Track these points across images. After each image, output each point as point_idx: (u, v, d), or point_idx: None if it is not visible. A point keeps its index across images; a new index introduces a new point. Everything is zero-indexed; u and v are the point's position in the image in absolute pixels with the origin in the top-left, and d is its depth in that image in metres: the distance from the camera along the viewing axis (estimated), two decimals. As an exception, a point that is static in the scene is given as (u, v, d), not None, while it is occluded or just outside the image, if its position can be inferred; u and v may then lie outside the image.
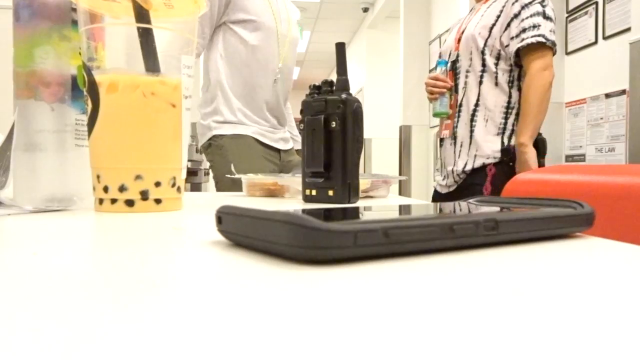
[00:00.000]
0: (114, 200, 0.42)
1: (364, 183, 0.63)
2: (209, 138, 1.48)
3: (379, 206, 0.43)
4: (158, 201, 0.43)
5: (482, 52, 1.44)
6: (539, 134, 1.41)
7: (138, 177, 0.42)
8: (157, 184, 0.43)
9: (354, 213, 0.27)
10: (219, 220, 0.24)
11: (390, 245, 0.21)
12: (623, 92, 2.32)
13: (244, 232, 0.23)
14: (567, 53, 2.71)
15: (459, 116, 1.49)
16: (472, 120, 1.45)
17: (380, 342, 0.11)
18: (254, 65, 1.45)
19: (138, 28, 0.43)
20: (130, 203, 0.42)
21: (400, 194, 4.09)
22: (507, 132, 1.42)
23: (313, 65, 8.44)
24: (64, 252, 0.23)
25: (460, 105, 1.49)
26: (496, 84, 1.43)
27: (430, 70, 4.21)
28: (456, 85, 1.51)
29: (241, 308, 0.14)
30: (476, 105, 1.45)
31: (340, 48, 0.56)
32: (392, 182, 0.71)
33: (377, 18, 5.59)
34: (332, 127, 0.53)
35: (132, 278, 0.18)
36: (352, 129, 0.53)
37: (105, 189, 0.42)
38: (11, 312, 0.13)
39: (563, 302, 0.15)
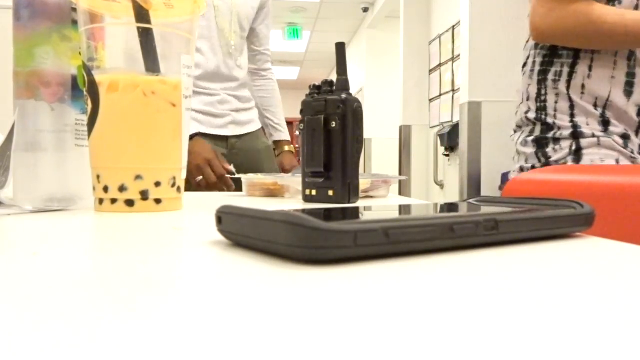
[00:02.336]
0: (114, 200, 0.42)
1: (364, 183, 0.63)
2: None
3: (379, 206, 0.43)
4: (158, 201, 0.43)
5: None
6: None
7: (138, 177, 0.42)
8: (157, 184, 0.43)
9: (354, 213, 0.27)
10: (219, 220, 0.24)
11: (390, 245, 0.21)
12: (623, 92, 2.31)
13: (244, 232, 0.23)
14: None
15: None
16: None
17: (380, 342, 0.11)
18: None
19: (138, 28, 0.43)
20: (130, 203, 0.42)
21: (400, 194, 4.09)
22: None
23: (313, 65, 8.44)
24: (64, 252, 0.23)
25: None
26: None
27: (430, 71, 4.21)
28: None
29: (241, 308, 0.14)
30: None
31: (340, 48, 0.56)
32: (392, 182, 0.71)
33: (377, 18, 5.59)
34: (332, 127, 0.53)
35: (132, 278, 0.18)
36: (352, 129, 0.53)
37: (105, 189, 0.42)
38: (11, 312, 0.13)
39: (563, 302, 0.15)
